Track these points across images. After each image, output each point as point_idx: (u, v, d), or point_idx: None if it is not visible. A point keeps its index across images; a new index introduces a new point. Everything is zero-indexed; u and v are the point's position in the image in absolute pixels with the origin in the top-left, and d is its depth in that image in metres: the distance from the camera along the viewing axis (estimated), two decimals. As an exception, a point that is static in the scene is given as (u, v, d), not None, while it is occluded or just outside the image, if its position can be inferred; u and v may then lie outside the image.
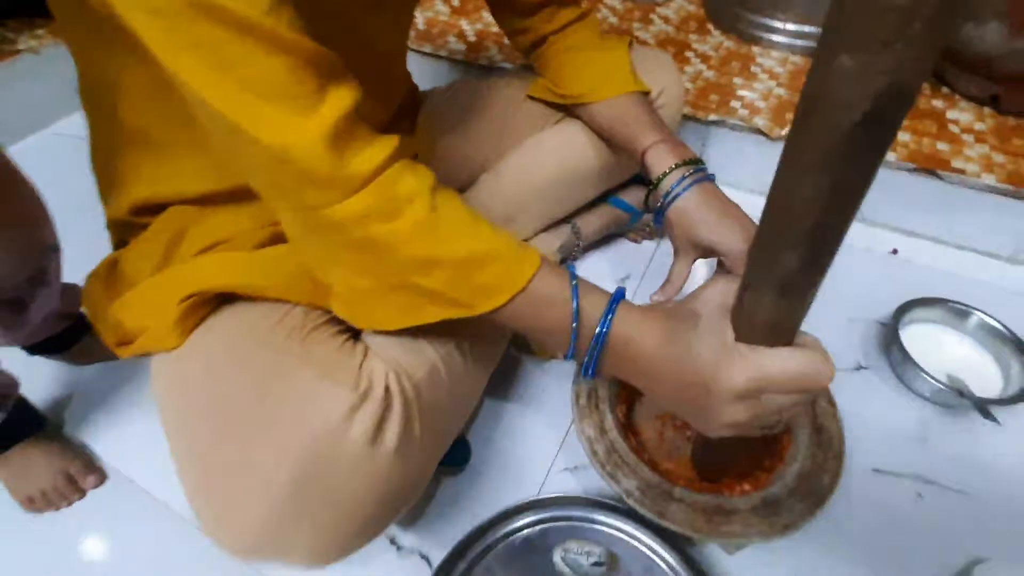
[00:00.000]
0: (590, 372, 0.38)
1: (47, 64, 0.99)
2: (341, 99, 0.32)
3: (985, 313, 0.59)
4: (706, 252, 0.50)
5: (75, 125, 0.98)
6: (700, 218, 0.49)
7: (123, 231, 0.49)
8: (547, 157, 0.64)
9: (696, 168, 0.51)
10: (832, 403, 0.49)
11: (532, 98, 0.64)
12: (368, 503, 0.36)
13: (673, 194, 0.51)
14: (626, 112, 0.57)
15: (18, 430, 0.53)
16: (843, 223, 0.26)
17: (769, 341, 0.32)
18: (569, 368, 0.59)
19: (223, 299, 0.44)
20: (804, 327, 0.33)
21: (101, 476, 0.56)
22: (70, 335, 0.60)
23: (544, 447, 0.55)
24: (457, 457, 0.51)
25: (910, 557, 0.47)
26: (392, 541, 0.51)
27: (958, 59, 0.81)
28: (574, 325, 0.36)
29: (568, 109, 0.62)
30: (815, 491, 0.43)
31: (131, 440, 0.58)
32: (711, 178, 0.51)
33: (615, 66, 0.58)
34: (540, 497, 0.45)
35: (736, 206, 0.50)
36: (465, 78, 0.80)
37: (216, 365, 0.40)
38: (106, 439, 0.59)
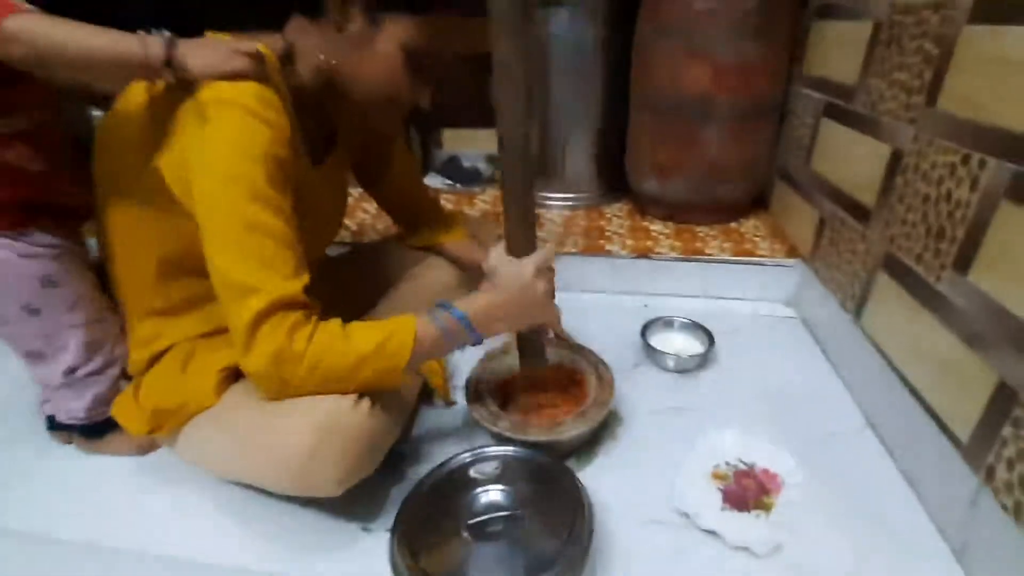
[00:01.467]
0: (476, 339, 0.69)
1: None
2: (323, 330, 0.60)
3: (684, 318, 1.06)
4: None
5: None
6: None
7: (141, 368, 0.75)
8: (425, 278, 1.03)
9: None
10: (608, 368, 0.86)
11: (410, 247, 1.05)
12: (360, 443, 0.63)
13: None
14: (464, 247, 1.00)
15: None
16: (528, 210, 0.69)
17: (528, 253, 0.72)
18: (459, 407, 0.90)
19: (236, 376, 0.71)
20: (604, 350, 0.78)
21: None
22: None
23: (454, 447, 0.83)
24: (401, 453, 0.79)
25: (672, 447, 0.82)
26: (364, 528, 0.73)
27: (647, 199, 1.42)
28: (444, 334, 0.66)
29: (431, 250, 1.04)
30: (604, 403, 0.78)
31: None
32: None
33: (454, 226, 1.03)
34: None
35: None
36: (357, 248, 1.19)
37: (244, 398, 0.66)
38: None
